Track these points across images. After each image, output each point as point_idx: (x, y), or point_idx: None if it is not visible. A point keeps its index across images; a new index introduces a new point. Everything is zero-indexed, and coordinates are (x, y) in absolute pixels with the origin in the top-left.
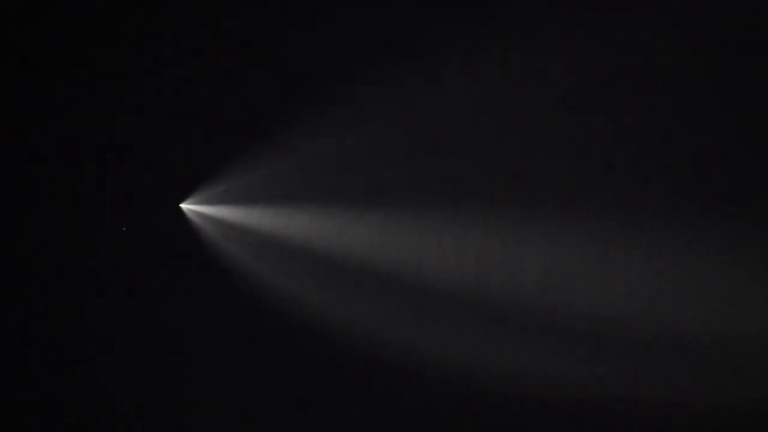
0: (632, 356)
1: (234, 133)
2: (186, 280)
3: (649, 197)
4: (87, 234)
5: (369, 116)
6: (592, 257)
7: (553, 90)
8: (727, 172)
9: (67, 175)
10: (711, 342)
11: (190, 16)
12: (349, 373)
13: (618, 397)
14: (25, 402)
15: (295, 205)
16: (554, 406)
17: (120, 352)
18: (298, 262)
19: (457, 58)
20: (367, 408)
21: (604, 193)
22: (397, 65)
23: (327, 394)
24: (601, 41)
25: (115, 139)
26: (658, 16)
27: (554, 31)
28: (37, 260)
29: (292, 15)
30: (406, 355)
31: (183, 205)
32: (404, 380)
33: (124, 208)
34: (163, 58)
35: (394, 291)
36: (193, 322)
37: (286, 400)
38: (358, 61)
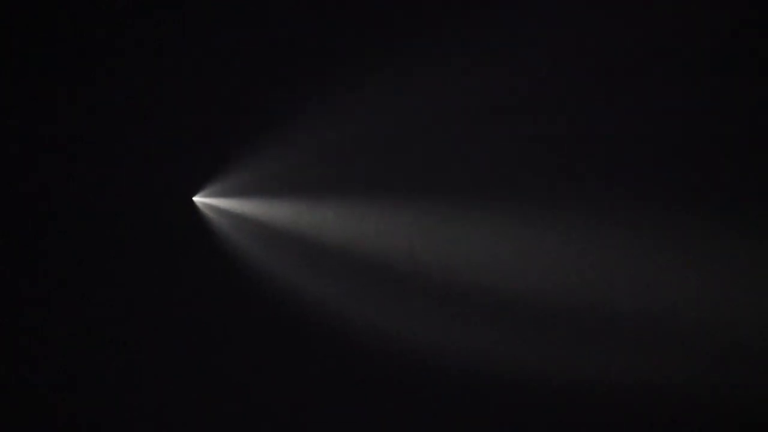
0: (644, 348)
1: (245, 126)
2: (198, 273)
3: (649, 192)
4: (101, 227)
5: (378, 109)
6: (597, 254)
7: (554, 83)
8: (735, 164)
9: (80, 169)
10: (715, 332)
11: (194, 13)
12: (358, 368)
13: (627, 388)
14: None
15: (309, 198)
16: (560, 395)
17: (129, 346)
18: (311, 257)
19: (457, 52)
20: (371, 402)
21: (605, 189)
22: (399, 56)
23: (332, 389)
24: (594, 34)
25: (127, 132)
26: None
27: (553, 23)
28: (47, 252)
29: (297, 11)
30: (410, 349)
31: (196, 198)
32: (409, 373)
33: (136, 201)
34: (170, 54)
35: (410, 286)
36: (203, 317)
37: (290, 396)
38: (361, 54)
